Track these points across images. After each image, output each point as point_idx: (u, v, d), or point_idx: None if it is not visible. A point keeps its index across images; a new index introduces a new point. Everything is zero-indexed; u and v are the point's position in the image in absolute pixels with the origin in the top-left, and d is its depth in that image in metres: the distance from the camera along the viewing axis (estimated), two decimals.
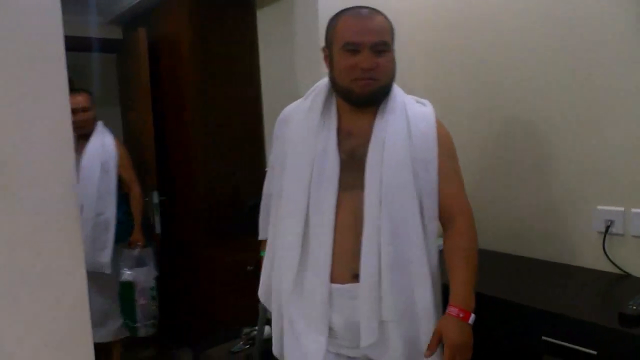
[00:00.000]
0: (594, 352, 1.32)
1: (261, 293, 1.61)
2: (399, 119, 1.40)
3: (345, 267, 1.37)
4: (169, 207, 3.39)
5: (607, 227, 1.74)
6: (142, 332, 3.03)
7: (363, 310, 1.35)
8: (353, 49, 1.37)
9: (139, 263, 3.00)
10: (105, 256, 2.88)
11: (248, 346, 2.35)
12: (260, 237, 1.74)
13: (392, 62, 1.42)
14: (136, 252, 2.97)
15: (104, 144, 2.91)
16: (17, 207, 1.43)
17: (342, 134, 1.44)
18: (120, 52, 3.68)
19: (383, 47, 1.38)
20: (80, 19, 3.51)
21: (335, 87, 1.44)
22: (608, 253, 1.75)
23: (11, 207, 1.43)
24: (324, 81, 1.49)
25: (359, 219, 1.36)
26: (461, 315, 1.32)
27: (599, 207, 1.77)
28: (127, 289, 2.95)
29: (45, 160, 1.47)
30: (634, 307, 1.37)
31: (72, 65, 3.99)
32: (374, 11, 1.43)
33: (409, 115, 1.42)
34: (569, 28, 1.82)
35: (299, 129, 1.47)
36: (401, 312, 1.35)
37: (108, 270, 2.89)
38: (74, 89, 2.89)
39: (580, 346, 1.35)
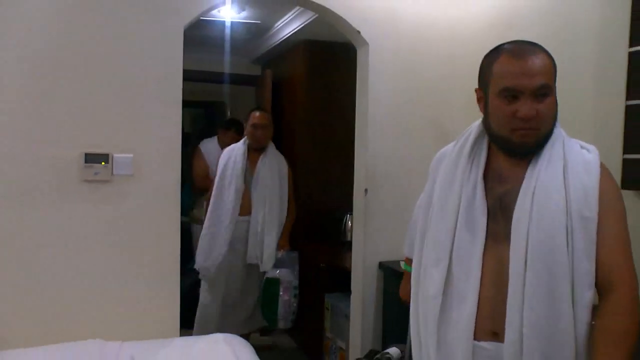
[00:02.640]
0: None
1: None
2: (554, 166, 1.24)
3: (484, 323, 1.26)
4: None
5: None
6: (282, 324, 3.37)
7: None
8: (512, 95, 1.22)
9: (281, 264, 3.38)
10: (273, 252, 3.34)
11: None
12: (406, 253, 1.77)
13: (553, 106, 1.25)
14: (280, 254, 3.39)
15: (278, 157, 3.47)
16: (139, 186, 2.31)
17: (492, 179, 1.32)
18: (256, 85, 4.70)
19: (545, 90, 1.22)
20: (230, 59, 4.59)
21: (490, 134, 1.31)
22: None
23: (136, 185, 2.32)
24: (477, 122, 1.39)
25: (503, 274, 1.24)
26: None
27: None
28: (273, 284, 3.32)
29: (160, 157, 2.32)
30: None
31: (225, 93, 5.25)
32: (536, 47, 1.26)
33: (568, 163, 1.25)
34: None
35: (447, 171, 1.39)
36: None
37: (269, 267, 3.32)
38: (257, 108, 3.63)
39: None
